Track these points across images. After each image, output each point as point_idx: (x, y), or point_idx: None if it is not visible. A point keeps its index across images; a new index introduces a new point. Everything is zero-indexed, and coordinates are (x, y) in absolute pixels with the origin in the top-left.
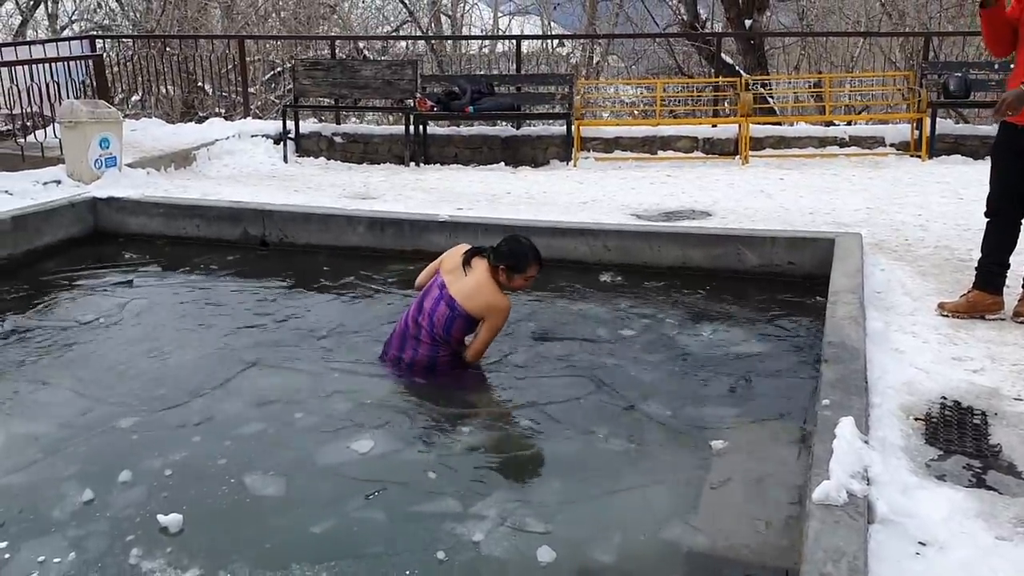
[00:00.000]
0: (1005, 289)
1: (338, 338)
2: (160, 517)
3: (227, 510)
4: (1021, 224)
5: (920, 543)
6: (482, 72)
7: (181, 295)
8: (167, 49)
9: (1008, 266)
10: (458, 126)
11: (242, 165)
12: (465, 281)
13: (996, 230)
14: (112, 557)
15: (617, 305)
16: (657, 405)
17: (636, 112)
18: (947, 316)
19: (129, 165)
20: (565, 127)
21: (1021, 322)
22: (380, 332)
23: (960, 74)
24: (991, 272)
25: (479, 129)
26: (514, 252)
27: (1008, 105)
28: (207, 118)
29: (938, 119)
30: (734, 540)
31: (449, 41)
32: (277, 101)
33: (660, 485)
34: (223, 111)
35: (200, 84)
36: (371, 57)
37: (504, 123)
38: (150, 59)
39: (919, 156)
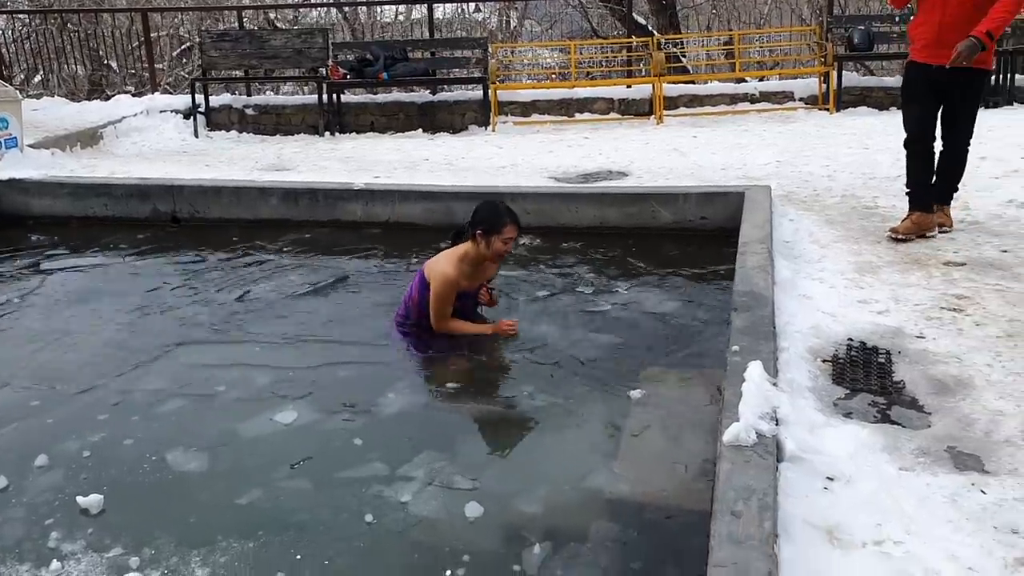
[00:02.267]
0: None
1: (255, 311)
2: (80, 499)
3: (149, 488)
4: (935, 151)
5: (828, 478)
6: (397, 39)
7: (91, 276)
8: (68, 25)
9: (932, 184)
10: (374, 94)
11: (151, 142)
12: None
13: (917, 157)
14: (30, 543)
15: (537, 266)
16: (578, 361)
17: (553, 76)
18: (900, 239)
19: (32, 146)
20: (482, 92)
21: (944, 231)
22: (296, 303)
23: (863, 27)
24: (920, 195)
25: (395, 96)
26: (484, 216)
27: (963, 56)
28: (115, 96)
29: (844, 72)
30: (654, 485)
31: (363, 8)
32: (187, 76)
33: (582, 437)
34: (131, 88)
35: (106, 61)
36: (282, 27)
37: (420, 89)
38: (50, 36)
39: (827, 109)
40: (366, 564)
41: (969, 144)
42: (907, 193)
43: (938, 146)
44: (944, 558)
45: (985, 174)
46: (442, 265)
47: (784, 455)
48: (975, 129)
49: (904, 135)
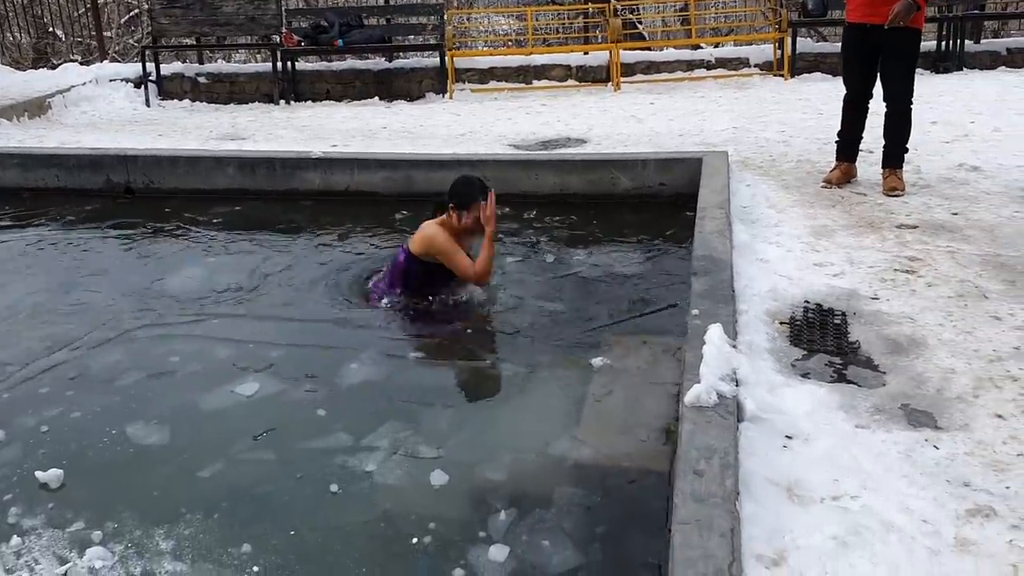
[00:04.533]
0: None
1: (213, 284)
2: (39, 474)
3: (110, 462)
4: (869, 108)
5: (787, 436)
6: (352, 5)
7: (41, 248)
8: None
9: (861, 139)
10: (329, 61)
11: (102, 111)
12: None
13: (851, 114)
14: None
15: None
16: (541, 329)
17: (510, 43)
18: (830, 186)
19: None
20: (439, 59)
21: (897, 195)
22: (256, 276)
23: None
24: (848, 147)
25: (350, 63)
26: (458, 191)
27: (899, 16)
28: (61, 64)
29: (799, 38)
30: (617, 449)
31: None
32: (137, 44)
33: (545, 403)
34: (78, 57)
35: (51, 29)
36: None
37: (376, 57)
38: None
39: (782, 75)
40: (332, 534)
41: (911, 104)
42: (837, 143)
43: (883, 108)
44: (899, 511)
45: (936, 138)
46: (424, 231)
47: (744, 415)
48: (915, 89)
49: (844, 92)
